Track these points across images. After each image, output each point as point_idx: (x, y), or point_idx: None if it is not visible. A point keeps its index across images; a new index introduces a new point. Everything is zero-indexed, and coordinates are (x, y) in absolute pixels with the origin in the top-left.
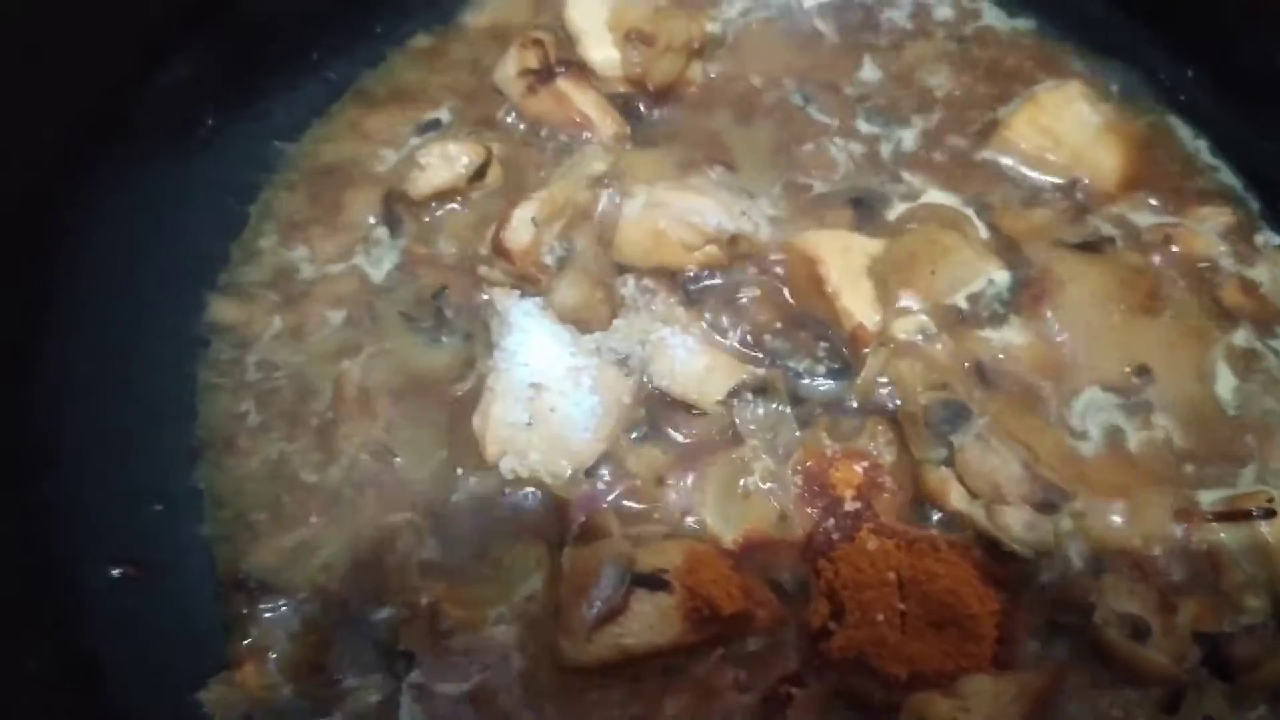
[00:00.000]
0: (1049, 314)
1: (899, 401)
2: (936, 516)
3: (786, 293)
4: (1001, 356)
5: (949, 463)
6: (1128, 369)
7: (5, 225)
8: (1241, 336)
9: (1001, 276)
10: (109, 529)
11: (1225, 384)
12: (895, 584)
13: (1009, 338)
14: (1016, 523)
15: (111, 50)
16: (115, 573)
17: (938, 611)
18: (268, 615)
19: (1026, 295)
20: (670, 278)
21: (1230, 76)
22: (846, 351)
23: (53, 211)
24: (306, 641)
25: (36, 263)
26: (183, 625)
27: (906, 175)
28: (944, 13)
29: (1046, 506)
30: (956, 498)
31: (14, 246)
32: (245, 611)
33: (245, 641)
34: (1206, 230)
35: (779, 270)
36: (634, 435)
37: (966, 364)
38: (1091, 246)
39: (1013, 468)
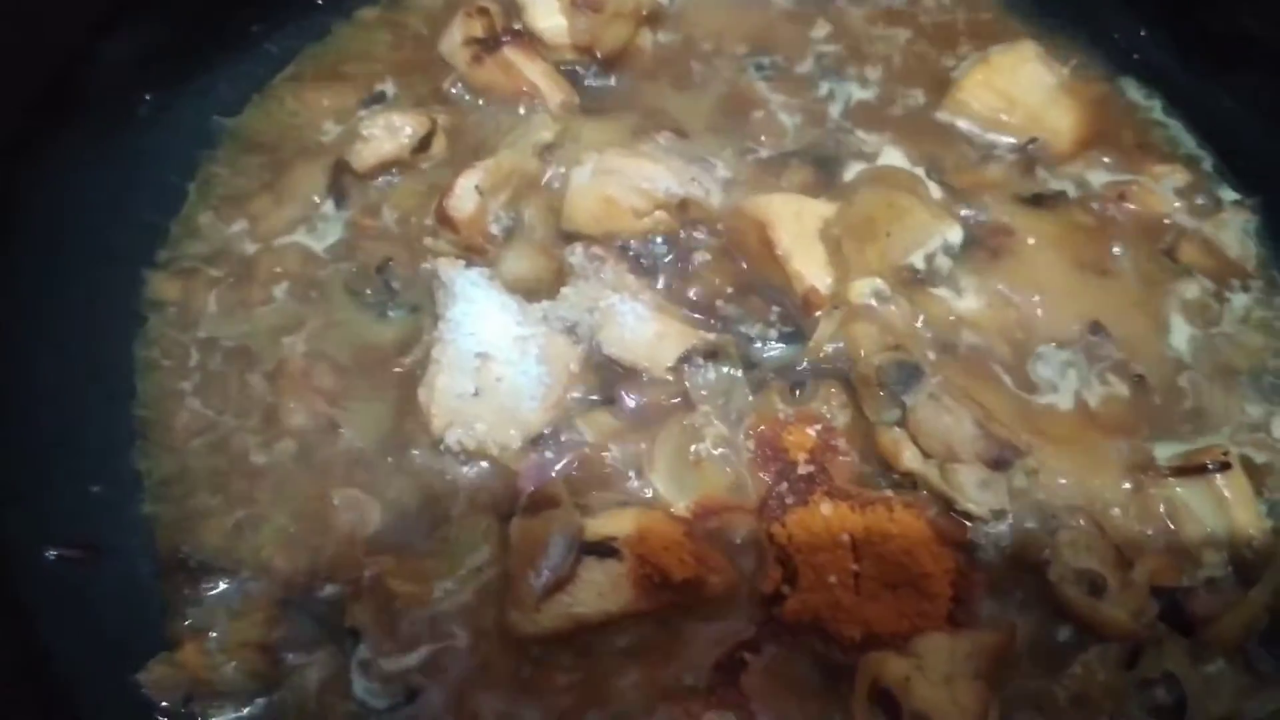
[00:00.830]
0: (1004, 271)
1: (852, 364)
2: (891, 478)
3: (739, 258)
4: (956, 317)
5: (902, 424)
6: (1082, 326)
7: None
8: (1194, 289)
9: (955, 235)
10: (46, 510)
11: (1180, 338)
12: (849, 546)
13: (964, 297)
14: (970, 481)
15: (52, 26)
16: (52, 555)
17: (892, 572)
18: (209, 594)
19: (981, 253)
20: (619, 245)
21: (1185, 36)
22: (799, 315)
23: None
24: (250, 620)
25: None
26: (124, 607)
27: (859, 137)
28: None
29: (1000, 464)
30: (910, 458)
31: None
32: (186, 591)
33: (186, 622)
34: (1162, 188)
35: (730, 235)
36: (583, 404)
37: (921, 325)
38: (1045, 201)
39: (966, 426)
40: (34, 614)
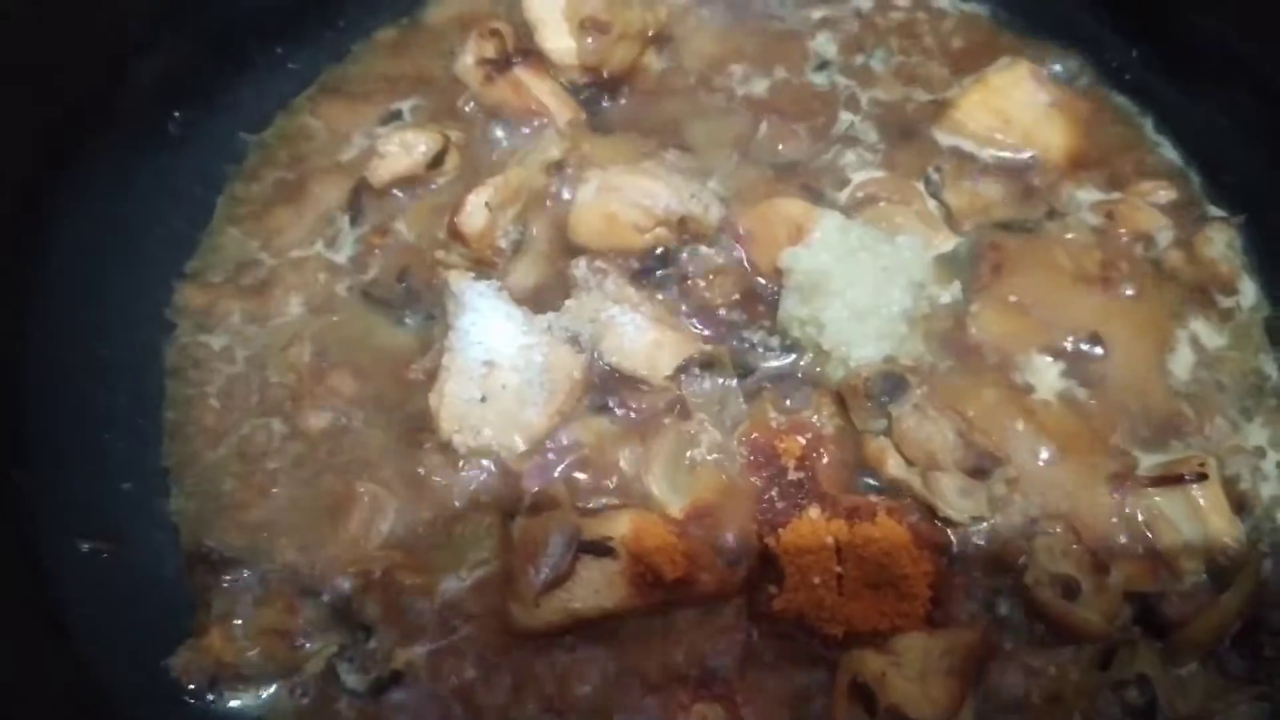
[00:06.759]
0: (1001, 284)
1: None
2: (876, 484)
3: (745, 265)
4: (952, 326)
5: (888, 433)
6: (1080, 337)
7: None
8: (1204, 323)
9: (948, 245)
10: (80, 505)
11: (1182, 364)
12: (833, 548)
13: (960, 308)
14: (950, 488)
15: (88, 48)
16: (85, 547)
17: (873, 573)
18: (231, 585)
19: (980, 267)
20: (622, 258)
21: (1173, 55)
22: None
23: (31, 203)
24: (271, 608)
25: (15, 251)
26: (151, 596)
27: (858, 153)
28: None
29: (979, 473)
30: (894, 466)
31: None
32: (210, 582)
33: (211, 609)
34: (1148, 205)
35: (737, 243)
36: (584, 410)
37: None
38: (1038, 222)
39: (947, 436)
40: (66, 604)
